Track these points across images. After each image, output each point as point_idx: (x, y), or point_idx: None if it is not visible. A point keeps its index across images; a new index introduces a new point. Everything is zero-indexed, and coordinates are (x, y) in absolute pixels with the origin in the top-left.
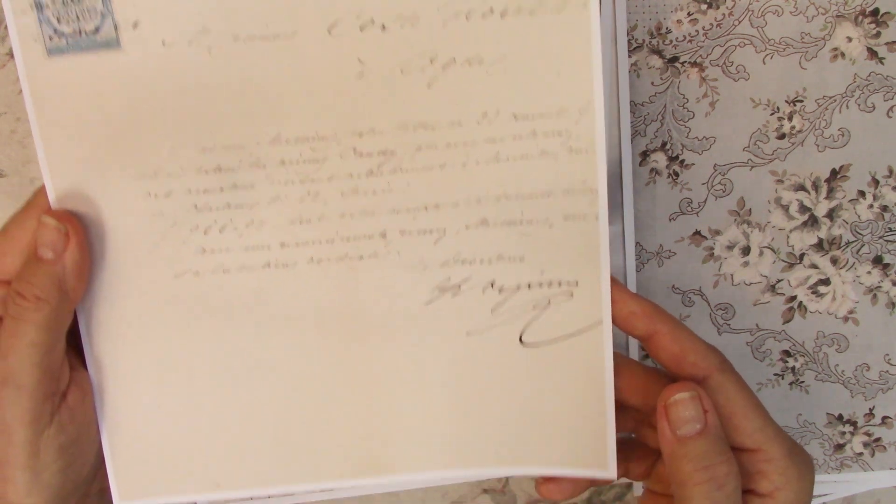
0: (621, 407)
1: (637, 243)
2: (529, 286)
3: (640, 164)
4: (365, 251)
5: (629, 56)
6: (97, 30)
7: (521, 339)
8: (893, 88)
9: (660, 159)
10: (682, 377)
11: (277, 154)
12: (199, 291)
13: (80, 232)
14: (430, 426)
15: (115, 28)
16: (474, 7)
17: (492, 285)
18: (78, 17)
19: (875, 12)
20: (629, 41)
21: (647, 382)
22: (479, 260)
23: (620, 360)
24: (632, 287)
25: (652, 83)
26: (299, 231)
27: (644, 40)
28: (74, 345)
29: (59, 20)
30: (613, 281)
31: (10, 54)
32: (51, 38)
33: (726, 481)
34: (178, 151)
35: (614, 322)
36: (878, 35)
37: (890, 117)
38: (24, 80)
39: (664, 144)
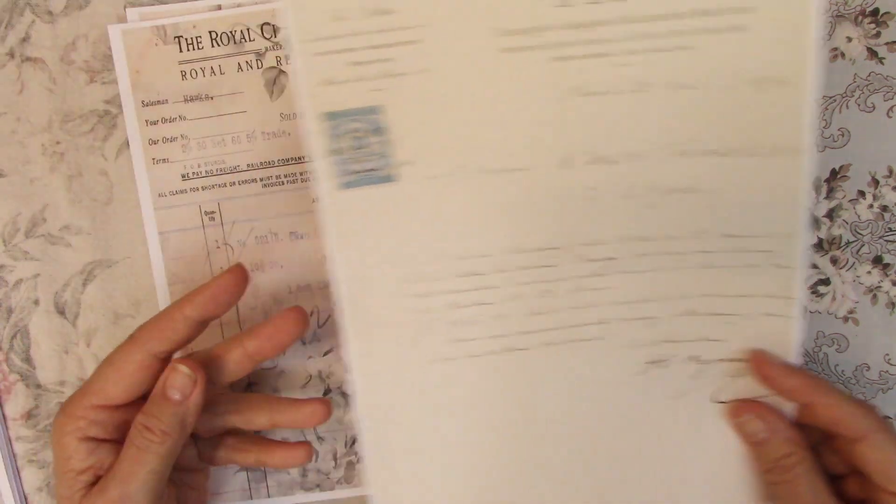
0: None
1: None
2: (730, 360)
3: None
4: (589, 335)
5: None
6: (380, 168)
7: (715, 399)
8: (893, 88)
9: None
10: (840, 437)
11: (518, 261)
12: (450, 375)
13: (205, 379)
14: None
15: (395, 167)
16: (695, 148)
17: (694, 359)
18: (365, 159)
19: (875, 12)
20: None
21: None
22: (685, 341)
23: None
24: None
25: None
26: (535, 321)
27: None
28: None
29: (349, 162)
30: (773, 359)
31: (10, 54)
32: (343, 176)
33: (794, 468)
34: (439, 260)
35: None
36: (878, 35)
37: (890, 117)
38: (323, 207)
39: None
